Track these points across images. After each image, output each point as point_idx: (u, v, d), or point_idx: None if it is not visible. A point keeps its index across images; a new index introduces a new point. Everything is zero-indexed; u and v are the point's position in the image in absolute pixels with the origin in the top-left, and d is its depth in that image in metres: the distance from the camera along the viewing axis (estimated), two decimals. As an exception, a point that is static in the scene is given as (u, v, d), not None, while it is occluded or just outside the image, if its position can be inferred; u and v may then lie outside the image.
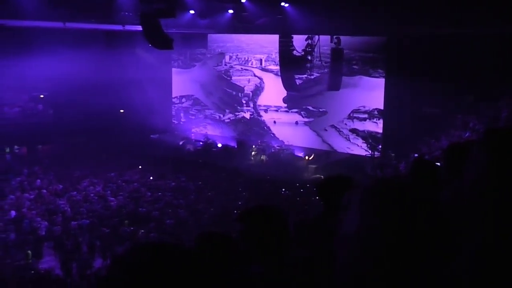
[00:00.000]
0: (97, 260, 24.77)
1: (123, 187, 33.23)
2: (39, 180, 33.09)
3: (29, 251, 24.84)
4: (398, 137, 31.09)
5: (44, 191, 31.67)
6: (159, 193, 32.08)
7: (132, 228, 27.11)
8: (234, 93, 41.15)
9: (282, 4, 32.79)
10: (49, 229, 27.21)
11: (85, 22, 35.02)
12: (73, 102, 37.59)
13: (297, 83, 35.38)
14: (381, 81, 34.09)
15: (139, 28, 31.02)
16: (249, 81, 40.30)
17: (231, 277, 3.21)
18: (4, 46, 34.38)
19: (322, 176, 33.06)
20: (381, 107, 34.45)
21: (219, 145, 39.73)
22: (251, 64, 40.16)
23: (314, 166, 34.92)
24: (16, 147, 37.44)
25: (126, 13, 34.71)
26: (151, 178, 34.95)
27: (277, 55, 35.30)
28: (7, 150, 36.90)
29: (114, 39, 38.58)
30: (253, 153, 37.55)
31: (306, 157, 35.93)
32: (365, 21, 30.89)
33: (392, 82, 32.34)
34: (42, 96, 41.11)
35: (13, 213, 28.34)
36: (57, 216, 28.32)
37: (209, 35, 39.11)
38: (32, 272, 23.17)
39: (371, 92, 34.28)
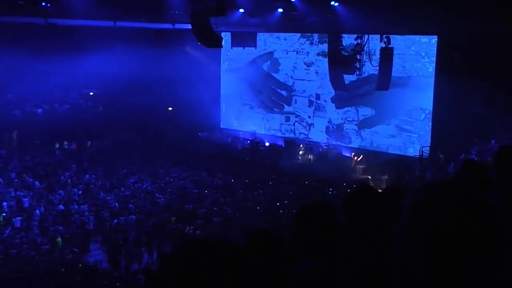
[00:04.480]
0: (144, 255, 25.05)
1: (171, 184, 33.48)
2: (87, 176, 33.53)
3: (59, 239, 25.23)
4: (447, 138, 30.66)
5: (92, 186, 32.09)
6: (206, 191, 32.21)
7: (179, 225, 27.27)
8: (282, 91, 41.12)
9: (332, 3, 32.69)
10: (97, 224, 27.60)
11: (135, 21, 35.34)
12: (122, 99, 38.04)
13: (346, 83, 35.23)
14: (431, 81, 33.62)
15: (189, 26, 31.18)
16: (296, 79, 40.38)
17: (280, 274, 3.19)
18: (55, 45, 34.95)
19: (369, 177, 32.87)
20: (430, 107, 34.02)
21: (267, 143, 39.81)
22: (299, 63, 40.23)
23: (362, 166, 34.75)
24: (65, 143, 38.04)
25: (176, 12, 35.00)
26: (199, 176, 35.14)
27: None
28: (57, 146, 37.51)
29: (163, 38, 38.90)
30: (300, 152, 37.54)
31: (355, 157, 35.72)
32: (415, 19, 30.59)
33: (442, 82, 31.83)
34: (92, 93, 41.70)
35: (61, 207, 28.78)
36: (105, 211, 28.67)
37: (258, 33, 39.21)
38: (80, 265, 23.49)
39: (420, 92, 33.84)
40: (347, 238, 3.76)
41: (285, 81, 40.68)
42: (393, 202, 3.65)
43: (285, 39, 40.47)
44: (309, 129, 39.80)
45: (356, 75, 34.05)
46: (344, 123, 38.01)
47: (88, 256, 25.14)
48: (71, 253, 24.71)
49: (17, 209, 28.86)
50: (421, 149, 32.74)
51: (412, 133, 34.96)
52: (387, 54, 30.68)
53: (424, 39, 34.05)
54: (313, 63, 39.18)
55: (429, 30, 32.57)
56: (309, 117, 39.82)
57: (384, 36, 30.93)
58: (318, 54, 38.61)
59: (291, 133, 40.60)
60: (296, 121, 40.49)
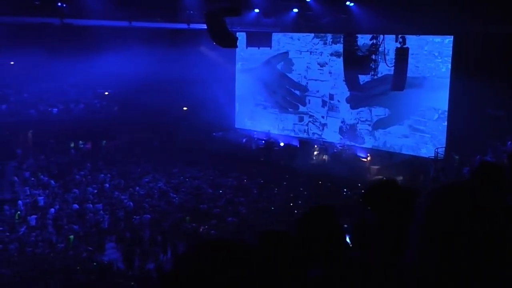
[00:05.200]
0: (158, 254, 25.05)
1: (185, 183, 33.50)
2: (102, 175, 33.64)
3: (71, 236, 25.37)
4: (463, 139, 30.41)
5: (107, 185, 32.16)
6: (220, 191, 32.18)
7: (193, 225, 27.26)
8: (297, 92, 41.12)
9: (347, 3, 32.62)
10: (112, 223, 27.66)
11: (151, 21, 35.39)
12: (137, 99, 38.13)
13: (361, 83, 35.14)
14: (446, 81, 33.47)
15: (204, 26, 31.22)
16: (309, 79, 40.38)
17: (294, 276, 3.19)
18: (70, 45, 35.10)
19: (384, 178, 32.72)
20: (444, 107, 33.90)
21: (281, 144, 39.76)
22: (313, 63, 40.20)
23: (376, 167, 34.61)
24: (80, 142, 38.23)
25: (191, 12, 35.03)
26: (213, 175, 35.14)
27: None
28: (72, 145, 37.70)
29: (179, 38, 38.91)
30: (315, 152, 37.48)
31: (368, 158, 35.63)
32: (431, 19, 30.48)
33: (457, 83, 31.60)
34: (107, 93, 41.84)
35: (76, 206, 28.88)
36: (119, 211, 28.72)
37: (273, 33, 39.15)
38: (95, 264, 23.55)
39: (436, 93, 33.69)
40: (367, 235, 3.74)
41: (299, 81, 40.67)
42: (409, 203, 3.63)
43: (299, 39, 40.44)
44: (323, 129, 39.77)
45: (371, 75, 33.97)
46: (358, 123, 37.94)
47: (103, 254, 25.17)
48: (86, 252, 24.80)
49: (32, 208, 29.01)
50: (436, 150, 32.60)
51: (425, 133, 34.83)
52: (402, 54, 30.59)
53: (437, 39, 33.91)
54: (327, 63, 39.15)
55: (445, 30, 32.40)
56: (323, 117, 39.79)
57: (399, 36, 30.84)
58: (331, 54, 38.62)
59: (305, 133, 40.59)
60: (309, 121, 40.47)
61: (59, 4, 32.50)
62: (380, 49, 32.75)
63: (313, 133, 40.18)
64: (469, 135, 29.64)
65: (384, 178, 30.26)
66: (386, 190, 4.14)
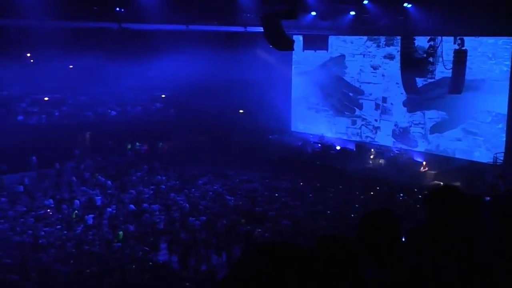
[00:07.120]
0: (213, 256, 25.08)
1: (241, 186, 33.58)
2: (158, 176, 33.99)
3: (120, 232, 25.65)
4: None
5: (163, 186, 32.46)
6: (276, 194, 32.13)
7: (248, 227, 27.24)
8: (353, 95, 40.93)
9: (405, 4, 32.25)
10: (167, 224, 27.85)
11: (208, 25, 35.57)
12: (193, 101, 38.44)
13: (418, 86, 34.74)
14: (506, 84, 32.72)
15: (260, 29, 31.23)
16: (362, 82, 40.23)
17: (349, 281, 3.16)
18: (128, 48, 35.57)
19: (441, 183, 32.25)
20: (500, 110, 33.18)
21: (338, 147, 39.58)
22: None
23: (433, 172, 34.11)
24: (137, 144, 38.75)
25: (248, 15, 35.09)
26: (268, 178, 35.15)
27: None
28: (129, 146, 38.26)
29: (235, 40, 39.06)
30: (371, 156, 37.23)
31: (424, 163, 35.19)
32: (490, 20, 29.84)
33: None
34: (163, 96, 42.30)
35: (132, 207, 29.22)
36: (175, 212, 28.91)
37: (330, 36, 38.96)
38: (151, 263, 23.75)
39: (495, 96, 32.99)
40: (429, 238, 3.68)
41: (353, 84, 40.50)
42: (472, 210, 3.51)
43: (352, 42, 40.33)
44: (376, 132, 39.58)
45: (429, 78, 33.51)
46: (411, 126, 37.59)
47: (158, 255, 25.37)
48: (142, 251, 25.03)
49: (90, 207, 29.49)
50: (495, 155, 31.99)
51: (478, 136, 34.27)
52: (461, 57, 30.16)
53: (491, 40, 33.28)
54: (380, 66, 38.96)
55: (505, 31, 31.70)
56: (376, 120, 39.60)
57: (458, 37, 30.38)
58: (384, 57, 38.45)
59: (358, 136, 40.44)
60: (362, 124, 40.31)
61: (117, 9, 32.98)
62: (438, 51, 32.30)
63: (366, 136, 40.01)
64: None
65: (442, 184, 29.93)
66: (446, 194, 4.06)
